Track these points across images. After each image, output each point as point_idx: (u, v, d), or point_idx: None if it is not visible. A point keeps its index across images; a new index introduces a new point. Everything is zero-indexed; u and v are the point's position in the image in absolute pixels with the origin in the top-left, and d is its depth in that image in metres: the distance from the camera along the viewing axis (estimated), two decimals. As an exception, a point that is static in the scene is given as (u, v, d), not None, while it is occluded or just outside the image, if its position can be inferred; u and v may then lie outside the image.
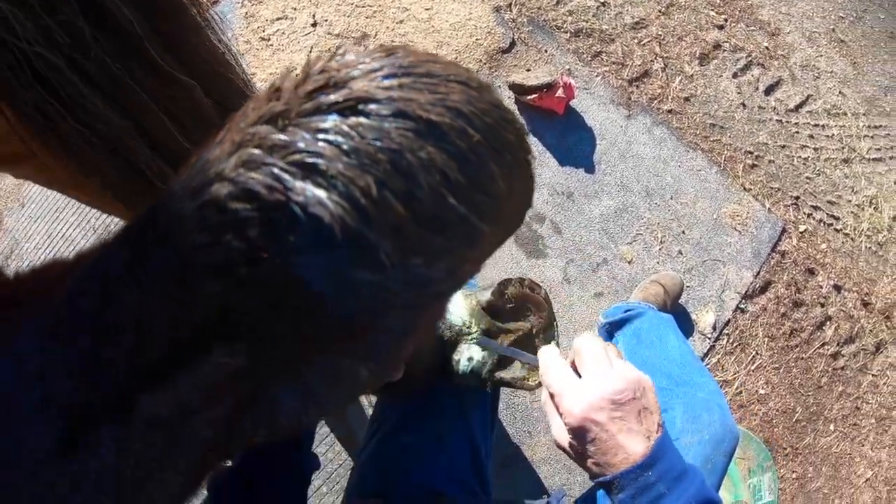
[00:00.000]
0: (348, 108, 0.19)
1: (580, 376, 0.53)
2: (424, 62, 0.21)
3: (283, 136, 0.19)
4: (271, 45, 1.66)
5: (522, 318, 0.77)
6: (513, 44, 1.59)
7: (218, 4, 1.72)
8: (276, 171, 0.19)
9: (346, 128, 0.19)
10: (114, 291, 0.22)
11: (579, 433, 0.50)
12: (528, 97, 1.46)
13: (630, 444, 0.48)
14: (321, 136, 0.19)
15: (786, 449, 1.57)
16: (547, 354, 0.56)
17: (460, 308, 0.71)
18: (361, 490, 0.79)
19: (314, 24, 1.64)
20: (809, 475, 1.60)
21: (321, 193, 0.18)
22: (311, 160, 0.19)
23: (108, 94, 0.44)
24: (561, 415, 0.52)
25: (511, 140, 0.22)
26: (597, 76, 1.57)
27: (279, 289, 0.19)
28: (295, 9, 1.68)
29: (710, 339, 1.47)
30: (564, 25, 1.63)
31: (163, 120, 0.48)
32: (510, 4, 1.63)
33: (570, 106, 1.50)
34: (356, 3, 1.65)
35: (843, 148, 1.79)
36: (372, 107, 0.19)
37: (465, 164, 0.20)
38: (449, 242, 0.20)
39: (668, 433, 0.52)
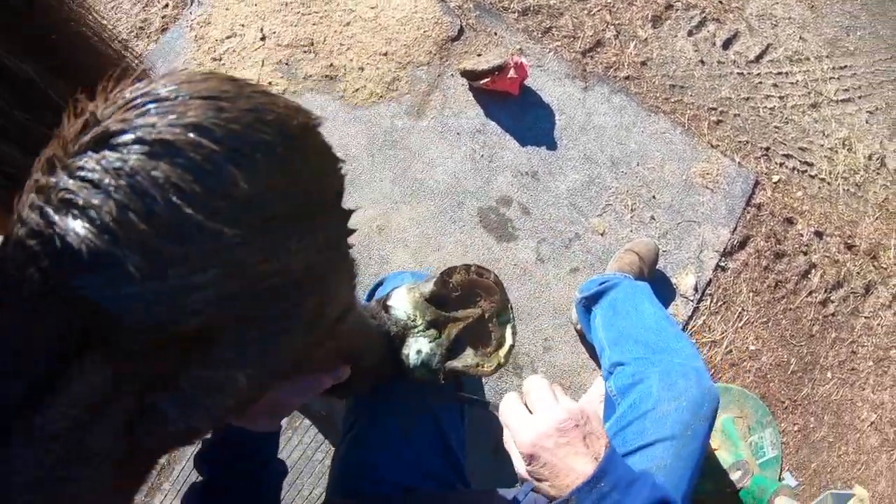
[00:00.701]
0: (99, 144, 0.22)
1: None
2: (182, 82, 0.23)
3: (52, 179, 0.22)
4: (223, 64, 1.65)
5: (472, 304, 0.76)
6: (461, 31, 1.58)
7: (167, 32, 1.72)
8: (45, 209, 0.21)
9: (94, 163, 0.21)
10: None
11: (532, 460, 0.57)
12: (481, 82, 1.45)
13: (578, 465, 0.55)
14: (78, 173, 0.21)
15: (784, 402, 1.56)
16: (506, 398, 0.64)
17: (404, 302, 0.70)
18: (336, 491, 0.79)
19: (263, 38, 1.64)
20: (812, 426, 1.59)
21: (76, 224, 0.21)
22: (68, 196, 0.21)
23: (23, 145, 0.44)
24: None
25: (265, 139, 0.23)
26: (549, 52, 1.56)
27: (80, 307, 0.22)
28: (242, 25, 1.67)
29: (692, 301, 1.45)
30: (511, 5, 1.62)
31: None
32: (454, -9, 1.62)
33: (524, 85, 1.49)
34: (301, 12, 1.64)
35: (809, 93, 1.77)
36: (117, 139, 0.22)
37: (201, 174, 0.21)
38: (199, 250, 0.21)
39: (614, 450, 0.58)
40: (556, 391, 0.62)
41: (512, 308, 0.80)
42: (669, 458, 0.87)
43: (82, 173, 0.21)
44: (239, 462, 0.63)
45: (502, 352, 0.76)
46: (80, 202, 0.21)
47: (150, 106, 0.22)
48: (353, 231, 0.34)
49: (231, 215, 0.22)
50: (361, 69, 1.56)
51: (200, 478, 0.64)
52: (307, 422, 1.33)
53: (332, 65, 1.58)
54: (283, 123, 0.24)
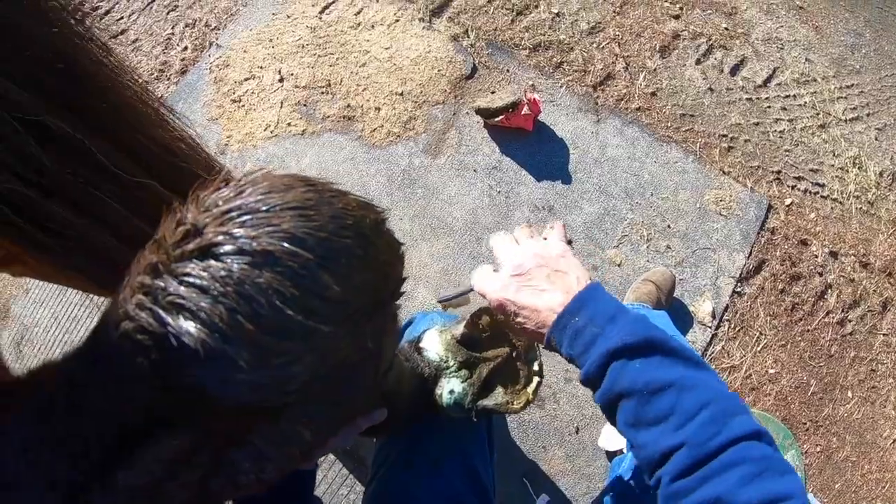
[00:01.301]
0: (203, 254, 0.25)
1: None
2: (268, 191, 0.27)
3: (158, 282, 0.25)
4: (243, 105, 1.71)
5: (501, 344, 0.79)
6: (474, 69, 1.62)
7: (187, 74, 1.78)
8: (156, 311, 0.25)
9: (201, 271, 0.25)
10: (77, 395, 0.28)
11: (503, 310, 0.56)
12: (496, 119, 1.49)
13: (545, 301, 0.52)
14: (185, 279, 0.25)
15: (805, 424, 1.57)
16: (475, 270, 0.62)
17: (436, 344, 0.73)
18: None
19: (281, 80, 1.69)
20: (834, 446, 1.60)
21: (189, 325, 0.24)
22: (179, 301, 0.25)
23: (67, 201, 0.48)
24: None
25: (348, 244, 0.27)
26: (561, 87, 1.60)
27: (186, 391, 0.25)
28: (261, 67, 1.73)
29: (710, 327, 1.48)
30: (522, 42, 1.66)
31: (127, 216, 0.52)
32: (466, 31, 1.67)
33: (538, 121, 1.53)
34: (318, 54, 1.70)
35: (817, 114, 1.79)
36: (220, 249, 0.25)
37: (298, 279, 0.25)
38: (298, 344, 0.26)
39: (598, 284, 0.53)
40: (519, 235, 0.60)
41: (539, 346, 0.83)
42: None
43: (190, 279, 0.25)
44: (279, 500, 0.65)
45: (530, 388, 0.79)
46: (192, 306, 0.24)
47: (246, 218, 0.26)
48: (402, 294, 0.38)
49: (324, 313, 0.26)
50: (378, 109, 1.61)
51: None
52: (331, 457, 1.37)
53: (349, 105, 1.63)
54: (359, 226, 0.28)
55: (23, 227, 0.46)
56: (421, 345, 0.74)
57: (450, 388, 0.71)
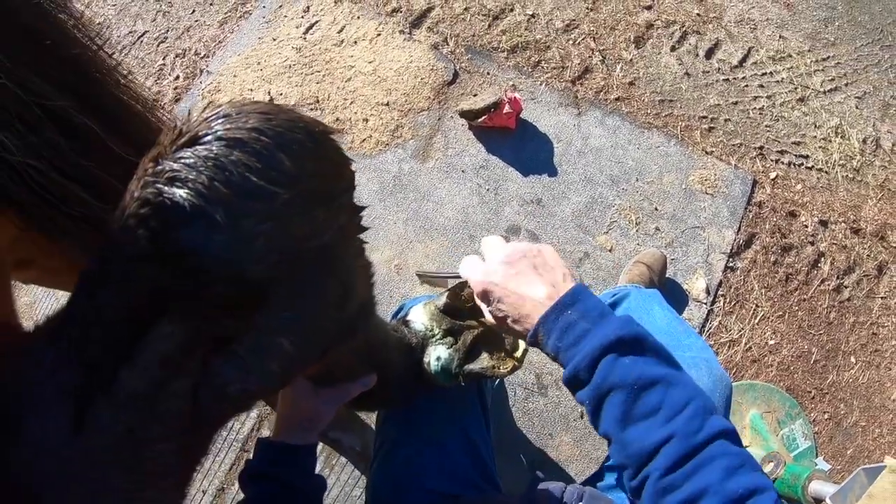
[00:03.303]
0: (191, 143, 0.34)
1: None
2: (240, 107, 0.36)
3: (159, 166, 0.33)
4: (238, 129, 1.77)
5: (482, 316, 0.83)
6: (456, 74, 1.68)
7: (180, 102, 1.85)
8: (157, 184, 0.33)
9: (190, 153, 0.33)
10: (91, 292, 0.35)
11: (485, 297, 0.58)
12: (479, 120, 1.54)
13: (531, 292, 0.53)
14: (179, 161, 0.33)
15: (811, 392, 1.59)
16: (463, 261, 0.64)
17: (421, 316, 0.77)
18: None
19: (271, 100, 1.76)
20: (842, 412, 1.62)
21: (180, 192, 0.32)
22: (174, 174, 0.32)
23: (85, 184, 0.54)
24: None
25: (298, 137, 0.36)
26: (541, 84, 1.65)
27: (180, 258, 0.32)
28: (251, 90, 1.80)
29: (706, 304, 1.51)
30: (500, 45, 1.72)
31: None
32: (446, 39, 1.73)
33: (521, 119, 1.58)
34: (304, 73, 1.76)
35: (795, 88, 1.83)
36: (204, 138, 0.34)
37: (260, 156, 0.34)
38: (261, 204, 0.33)
39: (585, 286, 0.55)
40: (509, 241, 0.62)
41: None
42: None
43: (182, 160, 0.33)
44: (284, 472, 0.67)
45: (517, 354, 0.82)
46: (182, 177, 0.32)
47: (222, 119, 0.34)
48: (365, 229, 0.45)
49: (281, 181, 0.34)
50: (366, 120, 1.67)
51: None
52: (343, 459, 1.41)
53: (338, 119, 1.69)
54: (309, 128, 0.37)
55: (47, 210, 0.51)
56: (408, 318, 0.79)
57: (436, 354, 0.75)
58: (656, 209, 1.55)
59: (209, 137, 0.33)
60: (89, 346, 0.34)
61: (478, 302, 0.64)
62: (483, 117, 1.54)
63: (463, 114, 1.57)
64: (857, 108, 1.87)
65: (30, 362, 0.35)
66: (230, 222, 0.32)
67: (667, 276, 1.48)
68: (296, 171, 0.35)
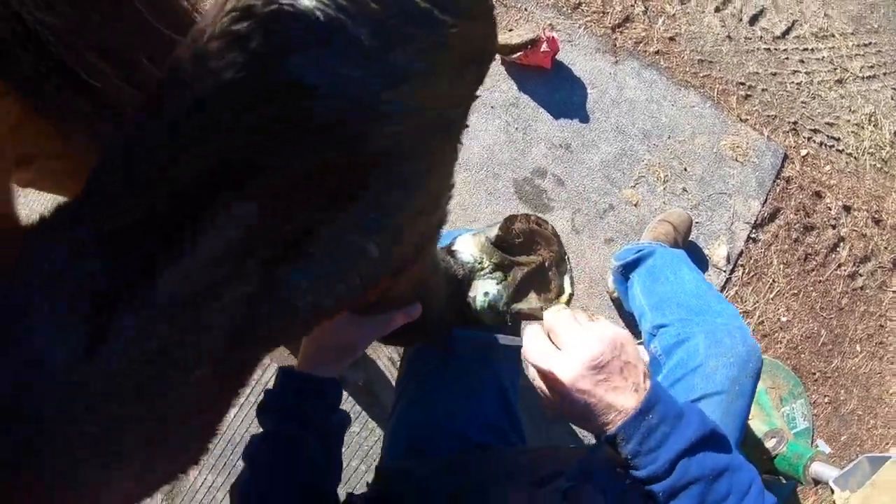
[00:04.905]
0: None
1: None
2: None
3: None
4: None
5: (532, 252, 0.77)
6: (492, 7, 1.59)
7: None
8: None
9: None
10: (133, 150, 0.23)
11: (568, 404, 0.52)
12: (514, 56, 1.46)
13: (619, 401, 0.50)
14: None
15: (814, 374, 1.57)
16: (528, 332, 0.57)
17: (470, 246, 0.71)
18: (395, 453, 0.77)
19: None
20: (842, 398, 1.60)
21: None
22: None
23: (102, 50, 0.45)
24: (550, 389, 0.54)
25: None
26: (579, 27, 1.56)
27: (279, 96, 0.21)
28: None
29: (725, 271, 1.46)
30: (540, -18, 1.62)
31: (152, 70, 0.49)
32: (484, -32, 1.63)
33: (557, 60, 1.50)
34: None
35: (835, 69, 1.77)
36: None
37: None
38: (422, 34, 0.22)
39: (658, 381, 0.54)
40: (580, 318, 0.55)
41: (569, 259, 0.81)
42: (719, 413, 0.87)
43: None
44: (307, 406, 0.61)
45: (563, 298, 0.77)
46: None
47: None
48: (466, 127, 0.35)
49: (450, 10, 0.23)
50: (392, 45, 1.57)
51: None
52: (344, 394, 1.34)
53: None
54: None
55: (56, 82, 0.42)
56: (454, 248, 0.72)
57: (484, 289, 0.69)
58: (685, 169, 1.49)
59: None
60: (119, 233, 0.23)
61: (536, 382, 0.56)
62: (518, 53, 1.45)
63: (497, 48, 1.48)
64: (892, 98, 1.82)
65: (36, 259, 0.24)
66: (377, 51, 0.21)
67: (690, 239, 1.43)
68: (467, 3, 0.25)
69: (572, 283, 0.80)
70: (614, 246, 1.39)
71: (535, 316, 0.72)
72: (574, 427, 1.33)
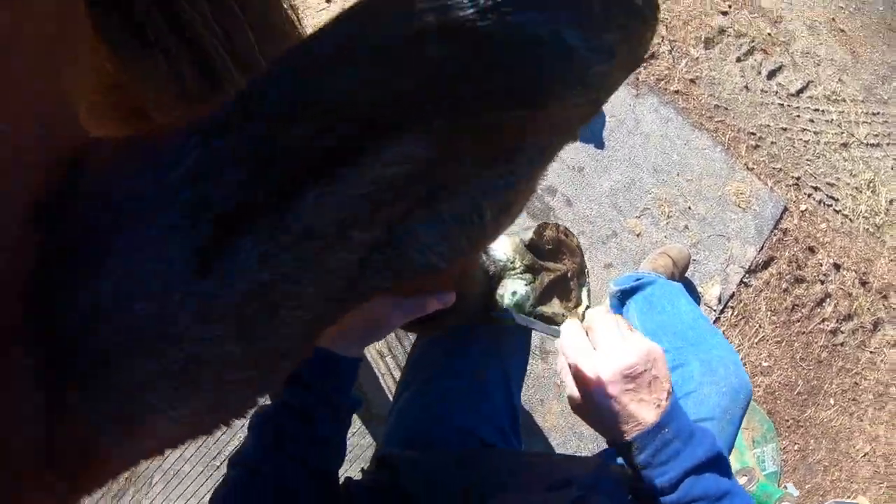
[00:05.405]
0: None
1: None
2: None
3: None
4: (287, 24, 1.69)
5: (558, 260, 0.80)
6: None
7: None
8: None
9: None
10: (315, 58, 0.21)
11: (592, 405, 0.55)
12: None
13: (641, 413, 0.53)
14: None
15: (788, 421, 1.61)
16: (567, 325, 0.60)
17: (504, 245, 0.73)
18: (396, 442, 0.77)
19: (328, 0, 1.68)
20: (811, 447, 1.64)
21: None
22: None
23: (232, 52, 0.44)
24: (577, 383, 0.56)
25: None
26: (606, 57, 1.61)
27: (501, 47, 0.19)
28: (310, -11, 1.71)
29: (715, 311, 1.51)
30: (574, 8, 1.67)
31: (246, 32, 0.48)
32: None
33: (580, 84, 1.54)
34: None
35: (842, 133, 1.84)
36: None
37: None
38: (630, 20, 0.22)
39: (677, 397, 0.57)
40: (621, 326, 0.56)
41: (588, 273, 0.84)
42: None
43: None
44: (322, 383, 0.58)
45: (580, 310, 0.80)
46: None
47: None
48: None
49: (650, 14, 0.23)
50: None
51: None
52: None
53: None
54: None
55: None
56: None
57: (513, 288, 0.72)
58: (690, 208, 1.54)
59: None
60: (268, 150, 0.20)
61: (563, 374, 0.58)
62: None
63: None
64: (892, 168, 1.89)
65: (144, 168, 0.21)
66: (601, 26, 0.20)
67: (685, 275, 1.47)
68: (655, 10, 0.24)
69: (589, 297, 0.83)
70: (612, 271, 1.43)
71: (554, 321, 0.74)
72: (552, 436, 1.35)
